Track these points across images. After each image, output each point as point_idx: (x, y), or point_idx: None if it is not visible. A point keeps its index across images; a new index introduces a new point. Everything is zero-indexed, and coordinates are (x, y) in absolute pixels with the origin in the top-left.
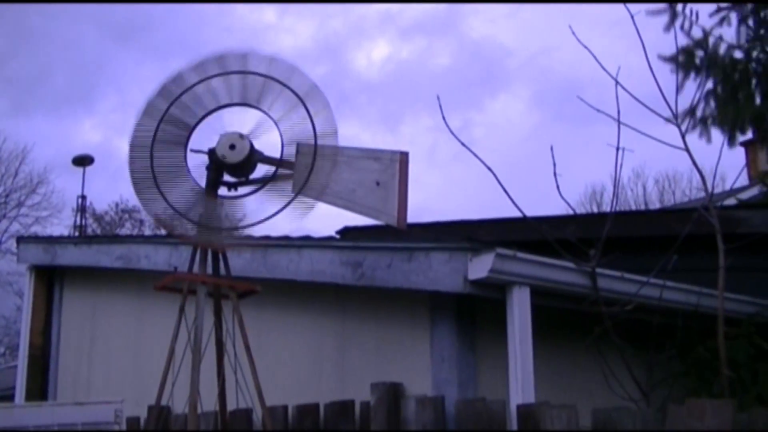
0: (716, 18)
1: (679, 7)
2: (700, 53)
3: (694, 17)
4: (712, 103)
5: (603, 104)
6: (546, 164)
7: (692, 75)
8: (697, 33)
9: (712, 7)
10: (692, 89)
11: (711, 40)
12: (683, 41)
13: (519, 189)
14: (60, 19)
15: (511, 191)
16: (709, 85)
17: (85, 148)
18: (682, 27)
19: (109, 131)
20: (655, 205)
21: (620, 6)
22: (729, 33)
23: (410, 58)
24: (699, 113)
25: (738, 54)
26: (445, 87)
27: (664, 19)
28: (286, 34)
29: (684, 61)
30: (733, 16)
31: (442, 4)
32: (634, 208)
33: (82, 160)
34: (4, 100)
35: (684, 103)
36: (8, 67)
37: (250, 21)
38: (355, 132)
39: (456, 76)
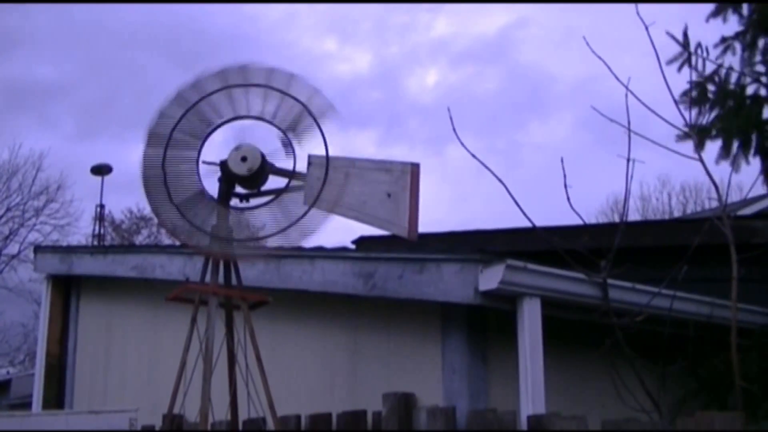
0: (721, 48)
1: (692, 47)
2: (711, 87)
3: (704, 53)
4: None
5: (640, 128)
6: (578, 181)
7: (707, 108)
8: (709, 68)
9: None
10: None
11: (722, 72)
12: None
13: (556, 203)
14: (129, 48)
15: (548, 206)
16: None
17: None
18: (695, 67)
19: None
20: (679, 214)
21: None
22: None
23: (459, 83)
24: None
25: (747, 80)
26: (492, 111)
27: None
28: (345, 62)
29: (697, 97)
30: (738, 46)
31: (489, 30)
32: (658, 217)
33: (101, 169)
34: (71, 125)
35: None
36: (78, 94)
37: (311, 50)
38: (403, 153)
39: (503, 100)
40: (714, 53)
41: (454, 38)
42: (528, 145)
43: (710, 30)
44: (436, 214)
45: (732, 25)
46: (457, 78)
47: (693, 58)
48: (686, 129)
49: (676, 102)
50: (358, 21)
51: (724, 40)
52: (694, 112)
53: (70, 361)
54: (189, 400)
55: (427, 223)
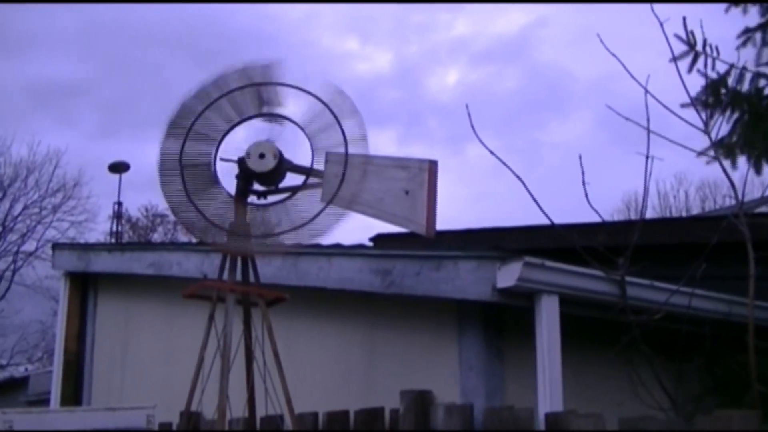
0: (741, 39)
1: (699, 47)
2: (723, 90)
3: (714, 53)
4: (738, 132)
5: (658, 126)
6: (596, 179)
7: (719, 110)
8: (720, 68)
9: (733, 36)
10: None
11: (735, 72)
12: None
13: (574, 201)
14: (149, 47)
15: (566, 204)
16: (735, 116)
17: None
18: (705, 66)
19: None
20: (698, 210)
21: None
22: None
23: (479, 82)
24: (726, 139)
25: (763, 82)
26: (512, 109)
27: (687, 60)
28: (366, 62)
29: (710, 99)
30: (758, 37)
31: (509, 30)
32: (675, 214)
33: (118, 167)
34: (92, 124)
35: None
36: (98, 92)
37: (332, 49)
38: (423, 152)
39: (522, 99)
40: (734, 44)
41: (474, 38)
42: (547, 143)
43: (729, 22)
44: (456, 212)
45: (752, 17)
46: (477, 77)
47: (702, 59)
48: (703, 129)
49: (692, 102)
50: (379, 20)
51: (747, 30)
52: (709, 113)
53: (88, 358)
54: (206, 397)
55: (447, 221)
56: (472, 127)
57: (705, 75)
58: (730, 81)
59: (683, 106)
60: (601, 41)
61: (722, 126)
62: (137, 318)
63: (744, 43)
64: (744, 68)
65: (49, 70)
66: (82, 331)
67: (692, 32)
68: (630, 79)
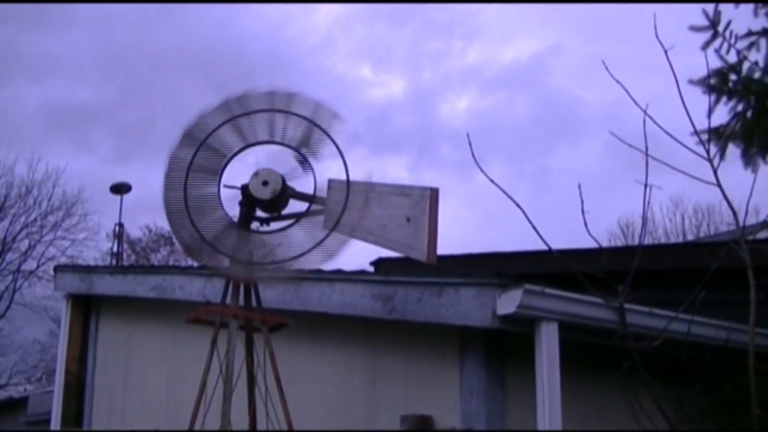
0: (746, 41)
1: (721, 27)
2: (733, 77)
3: (732, 39)
4: (738, 125)
5: (665, 152)
6: (605, 205)
7: (724, 99)
8: (732, 57)
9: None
10: (722, 113)
11: (746, 65)
12: (717, 64)
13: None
14: (167, 71)
15: (576, 229)
16: (739, 108)
17: None
18: (719, 49)
19: None
20: (692, 235)
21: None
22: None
23: (490, 108)
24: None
25: None
26: (523, 135)
27: (703, 37)
28: (379, 88)
29: (716, 84)
30: (763, 43)
31: (521, 57)
32: (671, 239)
33: (120, 188)
34: (108, 147)
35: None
36: (116, 116)
37: (346, 75)
38: (434, 178)
39: (533, 125)
40: (742, 45)
41: (486, 65)
42: (557, 169)
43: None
44: (467, 236)
45: (761, 20)
46: (488, 103)
47: (719, 40)
48: (707, 157)
49: (695, 131)
50: (393, 47)
51: (750, 33)
52: (714, 98)
53: (89, 380)
54: (209, 421)
55: (456, 245)
56: (473, 155)
57: (721, 57)
58: (745, 68)
59: (692, 134)
60: (606, 68)
61: (720, 114)
62: (139, 340)
63: (749, 47)
64: (756, 63)
65: (68, 93)
66: (84, 353)
67: (719, 11)
68: (642, 104)
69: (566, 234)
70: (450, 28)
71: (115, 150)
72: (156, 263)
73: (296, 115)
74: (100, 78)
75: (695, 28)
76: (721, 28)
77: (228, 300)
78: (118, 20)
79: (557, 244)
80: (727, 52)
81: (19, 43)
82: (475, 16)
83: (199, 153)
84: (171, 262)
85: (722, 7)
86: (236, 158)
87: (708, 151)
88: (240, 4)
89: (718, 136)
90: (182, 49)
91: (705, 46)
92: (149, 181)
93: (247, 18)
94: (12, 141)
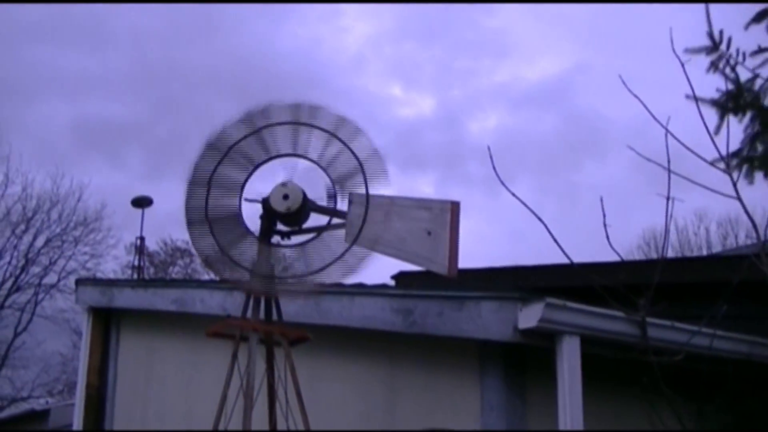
0: (759, 59)
1: (723, 47)
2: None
3: (740, 57)
4: (759, 147)
5: (696, 173)
6: (632, 220)
7: (737, 117)
8: (743, 74)
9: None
10: (738, 130)
11: (758, 82)
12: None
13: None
14: (199, 90)
15: (600, 244)
16: (755, 128)
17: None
18: (724, 68)
19: None
20: (717, 248)
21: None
22: None
23: (518, 125)
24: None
25: None
26: (550, 152)
27: (704, 59)
28: (409, 106)
29: (727, 104)
30: None
31: (549, 76)
32: (695, 252)
33: (141, 202)
34: (140, 165)
35: (733, 144)
36: (148, 134)
37: (377, 94)
38: (462, 194)
39: (560, 142)
40: (750, 64)
41: (514, 83)
42: (584, 184)
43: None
44: (494, 250)
45: None
46: (516, 120)
47: (723, 61)
48: (725, 170)
49: (713, 141)
50: (423, 65)
51: (760, 50)
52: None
53: (110, 393)
54: None
55: (484, 260)
56: (495, 171)
57: (727, 78)
58: (756, 87)
59: (713, 162)
60: (624, 84)
61: (735, 134)
62: (160, 353)
63: (761, 65)
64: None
65: (101, 110)
66: (105, 366)
67: (721, 31)
68: (666, 121)
69: (592, 249)
70: (479, 47)
71: (146, 167)
72: (173, 276)
73: (318, 128)
74: (134, 96)
75: (693, 50)
76: (723, 48)
77: (248, 313)
78: (152, 39)
79: (583, 259)
80: (734, 68)
81: (55, 60)
82: (503, 35)
83: (221, 165)
84: (189, 274)
85: (731, 20)
86: (259, 170)
87: (728, 165)
88: (273, 18)
89: (742, 161)
90: (215, 67)
91: (709, 69)
92: (179, 197)
93: (280, 38)
94: (45, 158)
